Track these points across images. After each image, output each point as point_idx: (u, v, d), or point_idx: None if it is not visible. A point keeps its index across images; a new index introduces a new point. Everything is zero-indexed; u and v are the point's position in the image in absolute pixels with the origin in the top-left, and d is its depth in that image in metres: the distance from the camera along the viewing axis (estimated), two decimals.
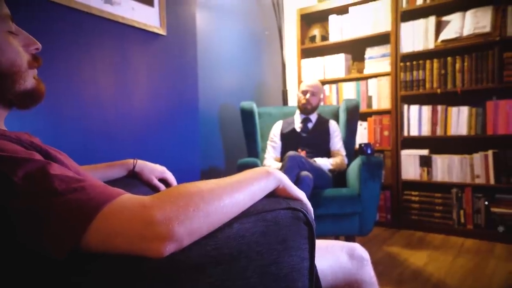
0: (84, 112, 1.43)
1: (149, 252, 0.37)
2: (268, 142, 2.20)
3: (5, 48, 0.50)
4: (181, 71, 1.89)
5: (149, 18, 1.67)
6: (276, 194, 0.54)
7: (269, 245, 0.47)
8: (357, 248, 0.72)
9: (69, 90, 1.37)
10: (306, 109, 2.15)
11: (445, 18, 2.35)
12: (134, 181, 0.94)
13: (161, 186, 0.94)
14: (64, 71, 1.34)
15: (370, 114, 2.64)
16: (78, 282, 0.40)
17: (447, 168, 2.35)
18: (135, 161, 0.93)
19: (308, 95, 2.14)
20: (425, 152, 2.43)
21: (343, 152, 2.12)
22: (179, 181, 0.98)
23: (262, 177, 0.51)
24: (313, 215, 0.55)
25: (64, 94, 1.35)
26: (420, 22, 2.39)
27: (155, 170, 0.94)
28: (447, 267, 1.79)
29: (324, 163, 1.99)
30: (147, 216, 0.37)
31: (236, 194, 0.45)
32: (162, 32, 1.73)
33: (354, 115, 2.24)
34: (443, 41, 2.33)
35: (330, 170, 1.99)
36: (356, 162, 1.90)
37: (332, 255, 0.69)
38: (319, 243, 0.68)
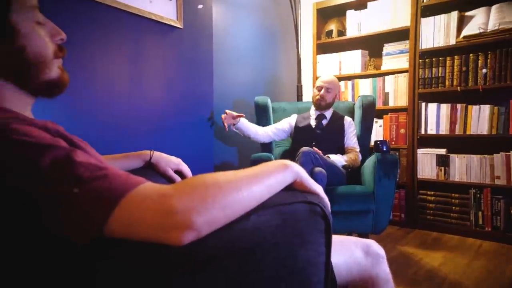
0: (100, 103, 1.45)
1: (169, 240, 0.38)
2: (282, 121, 2.21)
3: (32, 38, 0.51)
4: (196, 65, 1.89)
5: (166, 11, 1.68)
6: (293, 188, 0.53)
7: (286, 238, 0.47)
8: (373, 244, 0.71)
9: (85, 81, 1.39)
10: (320, 105, 2.13)
11: (468, 13, 2.27)
12: (150, 171, 0.96)
13: (177, 178, 0.94)
14: (80, 62, 1.36)
15: (386, 111, 2.59)
16: (98, 268, 0.41)
17: (466, 168, 2.29)
18: (151, 152, 0.94)
19: (322, 91, 2.12)
20: (442, 151, 2.37)
21: (357, 149, 2.09)
22: (193, 174, 0.99)
23: (280, 170, 0.50)
24: (330, 210, 0.54)
25: (80, 85, 1.37)
26: (442, 17, 2.32)
27: (171, 161, 0.95)
28: (463, 269, 1.75)
29: (338, 159, 1.97)
30: (167, 205, 0.38)
31: (254, 187, 0.45)
32: (178, 25, 1.74)
33: (370, 111, 2.20)
34: (465, 37, 2.25)
35: (344, 167, 1.96)
36: (371, 160, 1.87)
37: (347, 250, 0.68)
38: (334, 238, 0.67)
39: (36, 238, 0.41)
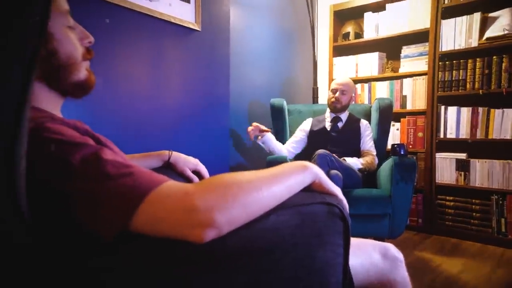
0: (119, 104, 1.49)
1: (191, 237, 0.39)
2: (297, 131, 2.20)
3: (64, 41, 0.54)
4: (213, 67, 1.92)
5: (185, 14, 1.71)
6: (311, 189, 0.54)
7: (304, 238, 0.47)
8: (391, 248, 0.71)
9: (106, 82, 1.43)
10: (335, 108, 2.12)
11: (491, 14, 2.21)
12: (169, 171, 0.98)
13: (194, 178, 0.96)
14: (102, 64, 1.40)
15: (403, 114, 2.55)
16: (120, 263, 0.43)
17: (487, 173, 2.22)
18: (170, 152, 0.95)
19: (338, 93, 2.11)
20: (462, 155, 2.31)
21: (374, 152, 2.06)
22: (209, 175, 1.00)
23: (299, 171, 0.51)
24: (348, 211, 0.54)
25: (101, 86, 1.41)
26: (463, 18, 2.27)
27: (189, 162, 0.96)
28: (484, 278, 1.69)
29: (354, 162, 1.95)
30: (190, 203, 0.39)
31: (273, 187, 0.45)
32: (197, 27, 1.77)
33: (387, 114, 2.17)
34: (488, 38, 2.19)
35: (359, 170, 1.94)
36: (388, 163, 1.85)
37: (364, 253, 0.68)
38: (351, 241, 0.67)
39: (66, 232, 0.43)
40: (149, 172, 0.44)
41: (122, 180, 0.40)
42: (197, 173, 0.98)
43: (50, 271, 0.42)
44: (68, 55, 0.54)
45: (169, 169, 0.96)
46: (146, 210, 0.39)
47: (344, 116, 2.16)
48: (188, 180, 0.96)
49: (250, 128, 1.93)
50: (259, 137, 1.99)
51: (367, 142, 2.08)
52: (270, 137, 2.01)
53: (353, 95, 2.19)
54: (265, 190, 0.44)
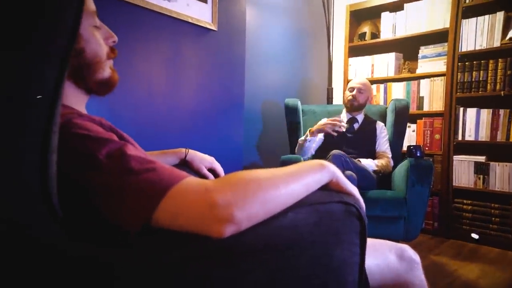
0: (137, 103, 1.52)
1: (211, 232, 0.40)
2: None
3: (91, 40, 0.56)
4: (229, 66, 1.93)
5: (202, 14, 1.73)
6: (329, 188, 0.54)
7: (322, 236, 0.47)
8: (407, 249, 0.70)
9: (125, 81, 1.47)
10: (352, 106, 2.10)
11: None
12: (185, 169, 0.99)
13: (210, 176, 0.97)
14: (122, 63, 1.44)
15: (420, 116, 2.50)
16: (141, 257, 0.44)
17: (508, 177, 2.16)
18: (187, 150, 0.97)
19: (355, 91, 2.10)
20: (481, 158, 2.26)
21: (389, 154, 2.04)
22: (224, 173, 1.01)
23: (317, 169, 0.51)
24: (365, 211, 0.54)
25: (121, 84, 1.44)
26: (485, 18, 2.21)
27: (204, 160, 0.98)
28: (504, 284, 1.65)
29: (369, 163, 1.93)
30: (210, 199, 0.40)
31: (291, 184, 0.46)
32: (213, 27, 1.79)
33: (403, 116, 2.14)
34: (511, 38, 2.13)
35: (374, 171, 1.92)
36: (404, 165, 1.82)
37: (381, 253, 0.67)
38: (367, 241, 0.67)
39: (91, 226, 0.44)
40: (170, 168, 0.45)
41: (145, 175, 0.42)
42: (212, 171, 0.99)
43: (70, 265, 0.43)
44: (94, 54, 0.56)
45: (185, 166, 0.98)
46: (167, 205, 0.40)
47: (360, 117, 2.14)
48: (203, 177, 0.97)
49: (329, 121, 1.91)
50: (317, 134, 1.96)
51: (383, 144, 2.05)
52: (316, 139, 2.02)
53: (370, 96, 2.17)
54: (283, 187, 0.44)
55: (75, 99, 0.57)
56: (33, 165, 0.36)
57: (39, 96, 0.34)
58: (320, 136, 2.14)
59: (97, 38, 0.57)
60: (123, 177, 0.41)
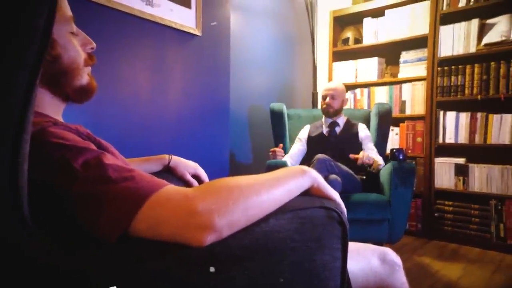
0: (120, 109, 1.50)
1: (191, 240, 0.39)
2: (295, 142, 2.20)
3: (68, 47, 0.55)
4: (214, 71, 1.93)
5: (186, 19, 1.72)
6: (310, 193, 0.54)
7: (303, 242, 0.47)
8: (389, 252, 0.71)
9: (108, 87, 1.44)
10: (328, 113, 2.13)
11: (489, 21, 2.23)
12: (168, 175, 0.98)
13: (194, 182, 0.96)
14: (104, 69, 1.41)
15: (402, 119, 2.56)
16: (121, 265, 0.43)
17: (486, 178, 2.23)
18: (170, 156, 0.96)
19: (328, 99, 2.12)
20: (461, 160, 2.32)
21: (380, 159, 2.04)
22: (209, 179, 1.01)
23: (298, 175, 0.51)
24: (346, 216, 0.55)
25: (103, 91, 1.42)
26: (462, 25, 2.29)
27: (188, 166, 0.97)
28: (484, 283, 1.69)
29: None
30: (190, 207, 0.39)
31: (273, 190, 0.46)
32: (197, 32, 1.78)
33: (386, 119, 2.18)
34: (486, 44, 2.21)
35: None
36: (387, 168, 1.85)
37: (363, 258, 0.68)
38: (350, 246, 0.67)
39: (67, 235, 0.43)
40: (149, 176, 0.44)
41: (123, 184, 0.41)
42: (196, 177, 0.98)
43: (44, 271, 0.42)
44: (72, 61, 0.55)
45: (169, 173, 0.97)
46: (146, 213, 0.40)
47: (341, 120, 2.17)
48: (187, 184, 0.96)
49: (276, 150, 1.96)
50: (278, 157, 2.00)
51: (371, 149, 2.04)
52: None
53: (346, 98, 2.18)
54: (265, 194, 0.45)
55: (51, 107, 0.56)
56: (1, 174, 0.35)
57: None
58: (300, 147, 2.16)
59: (74, 45, 0.56)
60: (100, 186, 0.41)
